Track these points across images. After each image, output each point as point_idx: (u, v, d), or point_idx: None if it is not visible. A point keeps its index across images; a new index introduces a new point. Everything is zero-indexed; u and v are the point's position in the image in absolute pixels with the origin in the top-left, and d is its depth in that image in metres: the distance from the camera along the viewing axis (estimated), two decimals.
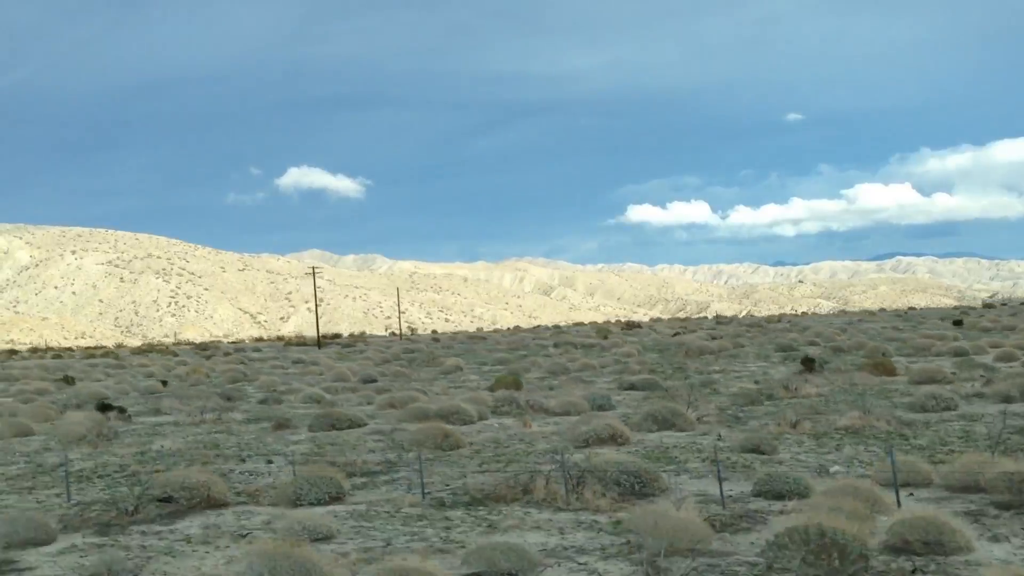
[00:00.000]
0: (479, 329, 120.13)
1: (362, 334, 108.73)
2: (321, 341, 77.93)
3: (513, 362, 46.43)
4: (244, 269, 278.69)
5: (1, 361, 75.70)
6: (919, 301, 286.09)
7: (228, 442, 22.50)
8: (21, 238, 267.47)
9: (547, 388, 32.86)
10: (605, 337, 65.71)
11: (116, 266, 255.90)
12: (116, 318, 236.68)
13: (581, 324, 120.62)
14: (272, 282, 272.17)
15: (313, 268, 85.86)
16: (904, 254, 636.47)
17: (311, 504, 14.84)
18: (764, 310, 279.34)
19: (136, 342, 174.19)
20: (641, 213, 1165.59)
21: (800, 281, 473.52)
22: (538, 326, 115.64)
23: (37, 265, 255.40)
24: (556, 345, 54.51)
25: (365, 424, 24.33)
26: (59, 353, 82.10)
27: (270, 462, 19.06)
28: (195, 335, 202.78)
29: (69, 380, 44.63)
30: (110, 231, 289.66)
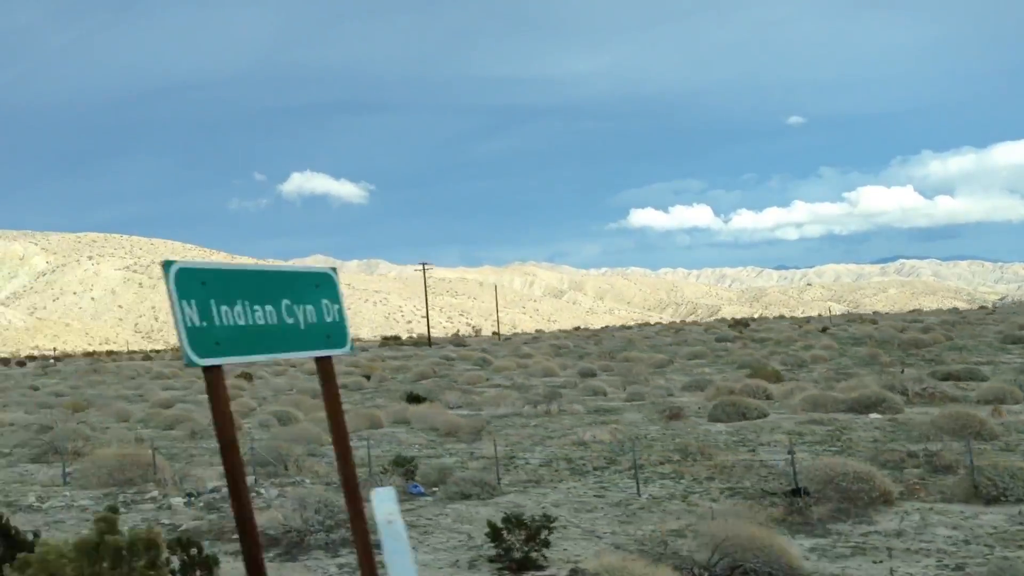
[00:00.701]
0: (577, 328, 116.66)
1: (463, 335, 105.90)
2: (431, 341, 75.26)
3: (711, 356, 43.88)
4: None
5: (104, 363, 72.50)
6: (929, 303, 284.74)
7: (657, 434, 19.87)
8: (36, 244, 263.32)
9: (835, 380, 30.20)
10: (740, 332, 63.67)
11: (134, 272, 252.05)
12: (136, 324, 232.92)
13: (648, 324, 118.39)
14: None
15: (423, 264, 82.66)
16: (907, 257, 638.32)
17: (1017, 502, 12.21)
18: (775, 313, 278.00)
19: (160, 348, 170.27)
20: (643, 217, 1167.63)
21: (809, 284, 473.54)
22: (606, 326, 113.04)
23: (54, 271, 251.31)
24: (731, 340, 52.07)
25: (767, 415, 21.64)
26: (148, 355, 78.95)
27: (791, 452, 16.34)
28: None
29: (247, 377, 41.89)
30: (124, 237, 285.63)
